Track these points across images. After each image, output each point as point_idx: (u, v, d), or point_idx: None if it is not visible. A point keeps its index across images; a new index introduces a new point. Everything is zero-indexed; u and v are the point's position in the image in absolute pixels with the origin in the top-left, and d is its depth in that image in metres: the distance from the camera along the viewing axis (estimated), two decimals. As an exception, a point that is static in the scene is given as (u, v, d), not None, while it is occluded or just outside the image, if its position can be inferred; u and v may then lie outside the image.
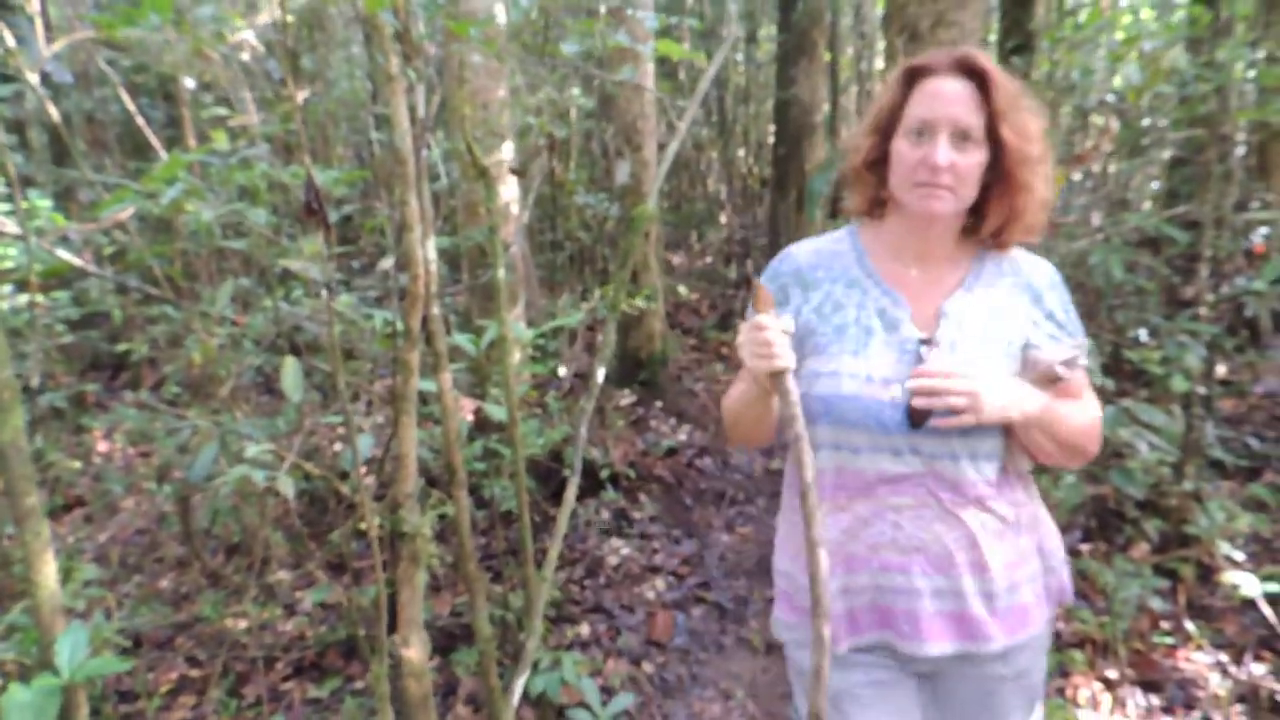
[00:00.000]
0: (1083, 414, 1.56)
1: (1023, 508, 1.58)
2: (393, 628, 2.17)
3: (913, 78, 1.49)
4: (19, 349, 3.58)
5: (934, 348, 1.49)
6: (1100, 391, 3.20)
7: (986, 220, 1.51)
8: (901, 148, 1.47)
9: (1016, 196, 1.47)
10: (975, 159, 1.44)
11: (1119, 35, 4.22)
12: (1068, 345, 1.54)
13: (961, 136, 1.43)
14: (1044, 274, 1.59)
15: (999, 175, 1.46)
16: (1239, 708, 2.80)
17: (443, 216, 5.15)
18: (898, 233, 1.58)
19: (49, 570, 1.83)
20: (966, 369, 1.43)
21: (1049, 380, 1.51)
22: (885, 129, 1.52)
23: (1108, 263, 3.35)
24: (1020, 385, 1.47)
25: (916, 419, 1.46)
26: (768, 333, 1.37)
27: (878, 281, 1.57)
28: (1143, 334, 3.86)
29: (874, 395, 1.48)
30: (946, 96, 1.44)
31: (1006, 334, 1.52)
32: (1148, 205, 6.16)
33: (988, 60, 1.45)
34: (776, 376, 1.36)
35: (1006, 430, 1.53)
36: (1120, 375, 4.12)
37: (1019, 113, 1.44)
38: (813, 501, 1.25)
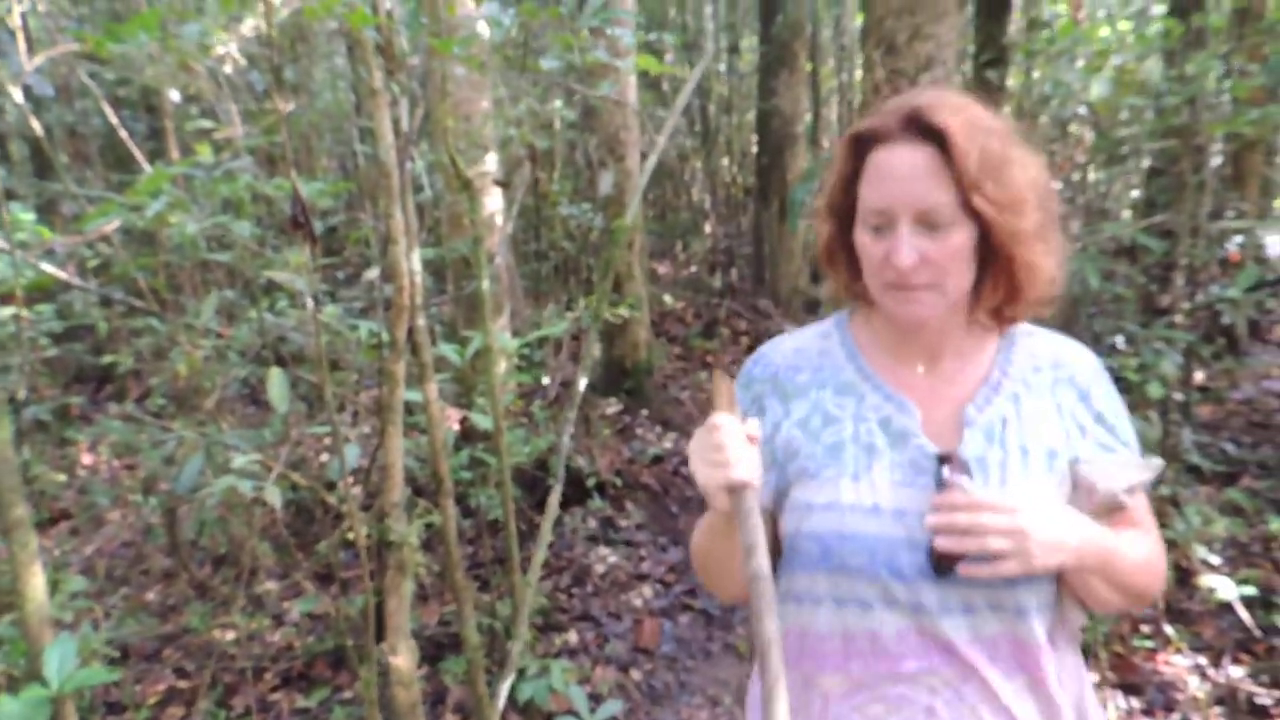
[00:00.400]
0: (1145, 548, 1.23)
1: (1069, 674, 1.25)
2: (380, 636, 2.19)
3: (861, 147, 1.17)
4: (3, 362, 3.58)
5: (957, 467, 1.15)
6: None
7: (980, 300, 1.21)
8: (863, 241, 1.17)
9: (1014, 275, 1.16)
10: (954, 242, 1.12)
11: (1094, 48, 4.29)
12: (1127, 461, 1.22)
13: (928, 222, 1.11)
14: (1088, 365, 1.27)
15: (990, 251, 1.15)
16: (1218, 710, 2.85)
17: (427, 228, 5.17)
18: (892, 327, 1.27)
19: (37, 581, 1.84)
20: (1005, 497, 1.10)
21: (1108, 510, 1.19)
22: (841, 212, 1.23)
23: (1085, 271, 3.41)
24: (1073, 516, 1.14)
25: (943, 565, 1.12)
26: (722, 434, 1.08)
27: (877, 385, 1.26)
28: (1120, 341, 3.92)
29: (883, 533, 1.17)
30: (900, 175, 1.12)
31: (1049, 444, 1.20)
32: (1127, 214, 6.23)
33: (949, 110, 1.12)
34: (734, 494, 1.07)
35: (1058, 575, 1.19)
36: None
37: (1001, 172, 1.11)
38: (774, 669, 0.91)
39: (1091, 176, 5.58)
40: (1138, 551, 1.21)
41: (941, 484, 1.13)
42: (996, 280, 1.18)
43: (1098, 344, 3.93)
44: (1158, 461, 1.24)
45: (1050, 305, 1.21)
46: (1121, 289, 4.41)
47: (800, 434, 1.26)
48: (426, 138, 4.54)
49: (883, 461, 1.20)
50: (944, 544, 1.09)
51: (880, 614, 1.18)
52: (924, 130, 1.11)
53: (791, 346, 1.34)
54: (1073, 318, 4.27)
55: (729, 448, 1.07)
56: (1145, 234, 3.84)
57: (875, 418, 1.23)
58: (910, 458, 1.20)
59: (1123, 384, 3.96)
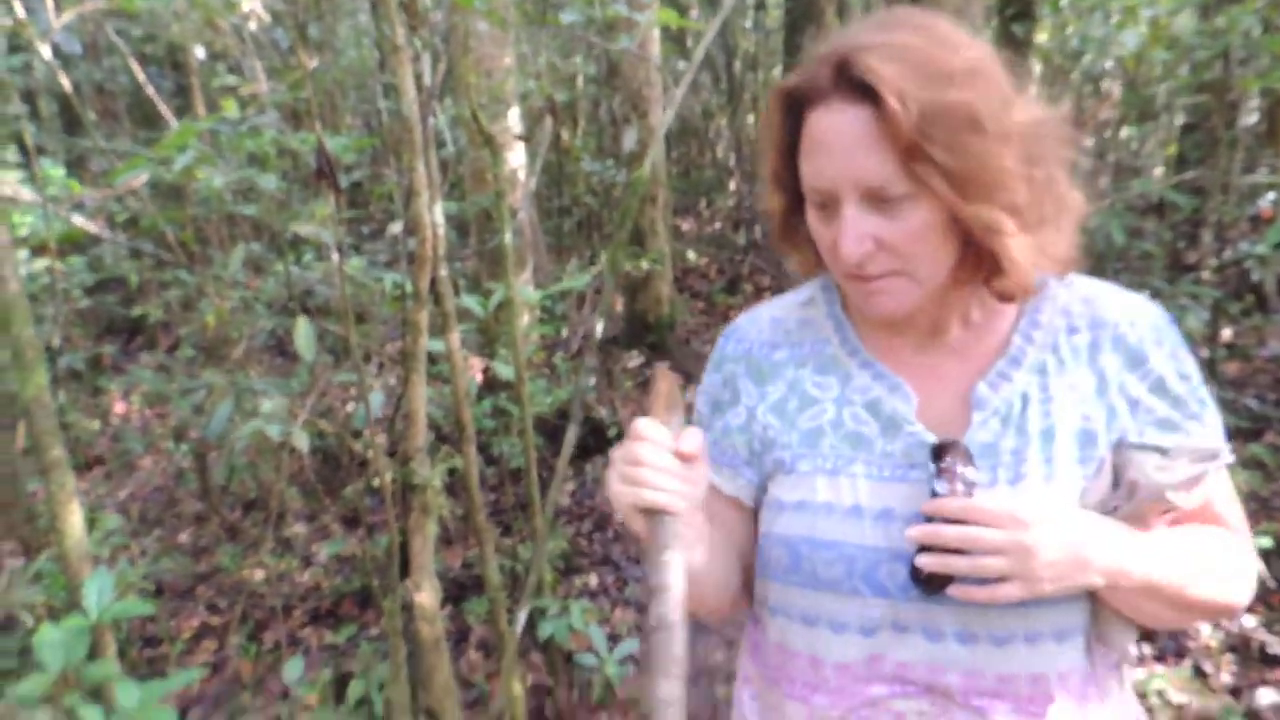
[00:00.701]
0: (1218, 550, 0.98)
1: (1110, 714, 1.01)
2: (405, 575, 2.26)
3: (794, 108, 0.94)
4: (38, 313, 3.67)
5: (957, 458, 0.92)
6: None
7: (961, 276, 0.98)
8: (813, 222, 0.97)
9: (992, 245, 0.91)
10: (915, 221, 0.89)
11: (1126, 1, 4.22)
12: (1188, 446, 0.94)
13: (878, 199, 0.89)
14: (1145, 319, 1.00)
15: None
16: (1229, 657, 2.88)
17: (450, 184, 5.20)
18: None
19: (75, 518, 1.92)
20: (1007, 504, 0.87)
21: (1157, 511, 0.93)
22: (788, 184, 1.01)
23: (1110, 227, 3.39)
24: (1100, 526, 0.90)
25: (930, 584, 0.91)
26: (642, 447, 0.89)
27: (866, 361, 1.04)
28: (1145, 298, 3.91)
29: (863, 540, 0.97)
30: (835, 145, 0.89)
31: (1083, 426, 0.96)
32: (1160, 172, 6.16)
33: (885, 54, 0.87)
34: (649, 518, 0.88)
35: (1093, 592, 0.95)
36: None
37: (961, 133, 0.85)
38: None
39: (1124, 133, 5.52)
40: (1205, 557, 0.96)
41: (935, 481, 0.92)
42: (979, 261, 0.95)
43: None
44: (1224, 447, 0.99)
45: (1066, 267, 0.98)
46: (1150, 246, 4.38)
47: (776, 420, 1.06)
48: (449, 93, 4.56)
49: (869, 453, 1.00)
50: (927, 562, 0.88)
51: (855, 639, 0.98)
52: (857, 85, 0.87)
53: (769, 317, 1.13)
54: (1098, 275, 4.25)
55: (647, 464, 0.89)
56: (1175, 190, 3.82)
57: (861, 400, 1.03)
58: (903, 448, 0.99)
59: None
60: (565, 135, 5.84)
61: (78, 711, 1.67)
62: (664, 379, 0.98)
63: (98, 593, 1.81)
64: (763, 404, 1.08)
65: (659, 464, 0.89)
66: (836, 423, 1.03)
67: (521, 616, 2.31)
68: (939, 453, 0.93)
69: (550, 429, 4.27)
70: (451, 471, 2.75)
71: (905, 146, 0.85)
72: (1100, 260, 4.24)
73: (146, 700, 1.74)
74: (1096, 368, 0.98)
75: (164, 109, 3.60)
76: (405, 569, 2.25)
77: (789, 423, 1.05)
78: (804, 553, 0.99)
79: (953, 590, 0.90)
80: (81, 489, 4.10)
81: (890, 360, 1.04)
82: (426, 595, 2.17)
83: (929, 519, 0.90)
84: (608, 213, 6.08)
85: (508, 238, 2.46)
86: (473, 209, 4.19)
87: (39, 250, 3.57)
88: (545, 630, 2.60)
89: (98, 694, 1.75)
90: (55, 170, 3.25)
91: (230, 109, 2.77)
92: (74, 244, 3.94)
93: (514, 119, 4.38)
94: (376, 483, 3.19)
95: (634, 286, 5.81)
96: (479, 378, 3.52)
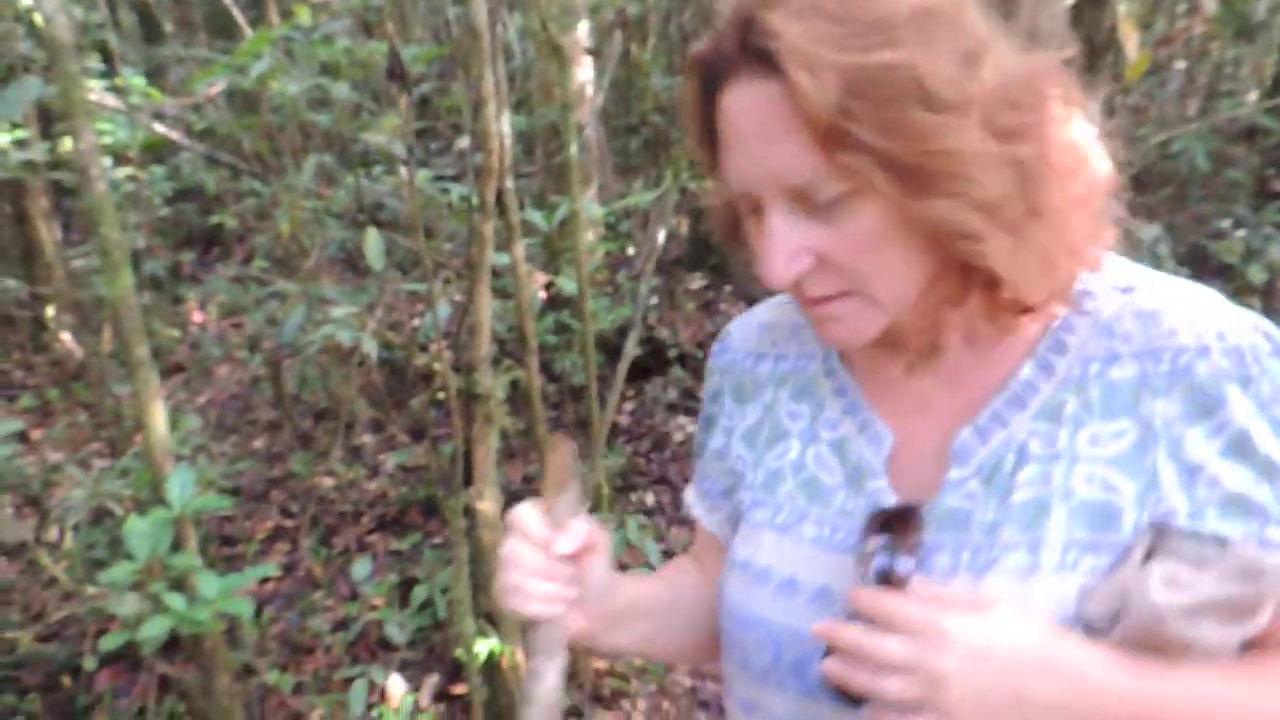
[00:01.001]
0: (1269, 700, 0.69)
1: None
2: (468, 484, 2.33)
3: (707, 85, 0.72)
4: (122, 219, 3.78)
5: (889, 540, 0.71)
6: (1176, 283, 3.15)
7: (945, 290, 0.74)
8: (748, 229, 0.77)
9: (961, 251, 0.68)
10: (857, 225, 0.68)
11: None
12: (1249, 546, 0.67)
13: (807, 201, 0.68)
14: (1232, 345, 0.70)
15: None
16: None
17: (517, 99, 5.17)
18: None
19: (159, 416, 2.01)
20: (929, 607, 0.66)
21: (1158, 645, 0.66)
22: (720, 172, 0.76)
23: (1194, 151, 3.25)
24: (1080, 660, 0.66)
25: (842, 695, 0.70)
26: (515, 547, 0.79)
27: (842, 387, 0.83)
28: (1227, 225, 3.76)
29: (794, 622, 0.77)
30: (748, 136, 0.68)
31: (1100, 500, 0.70)
32: (1255, 96, 5.86)
33: (791, 5, 0.64)
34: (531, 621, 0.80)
35: None
36: (1201, 268, 4.03)
37: (898, 107, 0.62)
38: None
39: (1218, 54, 5.24)
40: (1243, 708, 0.68)
41: (860, 564, 0.71)
42: (969, 269, 0.70)
43: (1203, 227, 3.78)
44: None
45: (1094, 262, 0.73)
46: (1238, 173, 4.19)
47: (746, 451, 0.88)
48: (519, 4, 4.51)
49: (824, 508, 0.79)
50: (829, 667, 0.68)
51: None
52: (762, 52, 0.65)
53: (758, 323, 0.94)
54: (1181, 201, 4.10)
55: (516, 566, 0.79)
56: (1268, 115, 3.63)
57: (829, 439, 0.82)
58: (865, 506, 0.77)
59: (1224, 268, 3.84)
60: (635, 50, 5.74)
61: (162, 598, 1.77)
62: (556, 450, 0.82)
63: (180, 487, 1.90)
64: (739, 429, 0.90)
65: (529, 566, 0.78)
66: (798, 465, 0.83)
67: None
68: (885, 523, 0.72)
69: (612, 347, 4.30)
70: (514, 385, 2.80)
71: (824, 131, 0.63)
72: (1183, 187, 4.07)
73: (225, 591, 1.83)
74: (1140, 415, 0.70)
75: (239, 17, 3.62)
76: (469, 478, 2.32)
77: (757, 457, 0.87)
78: (735, 628, 0.82)
79: (868, 711, 0.67)
80: (163, 393, 4.26)
81: (875, 384, 0.82)
82: (489, 503, 2.23)
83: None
84: (676, 131, 5.99)
85: (573, 152, 2.45)
86: (539, 123, 4.18)
87: (121, 159, 3.66)
88: (603, 542, 2.67)
89: (180, 583, 1.85)
90: (137, 79, 3.31)
91: (303, 15, 2.78)
92: (154, 154, 4.02)
93: (583, 32, 4.32)
94: (442, 395, 3.26)
95: (698, 209, 5.76)
96: (542, 293, 3.55)
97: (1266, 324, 0.71)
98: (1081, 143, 0.70)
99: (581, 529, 0.80)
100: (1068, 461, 0.71)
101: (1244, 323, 0.70)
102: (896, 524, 0.71)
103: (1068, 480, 0.71)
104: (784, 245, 0.69)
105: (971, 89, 0.63)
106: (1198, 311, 0.71)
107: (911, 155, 0.63)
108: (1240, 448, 0.68)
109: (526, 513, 0.81)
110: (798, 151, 0.65)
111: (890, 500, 0.76)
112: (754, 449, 0.87)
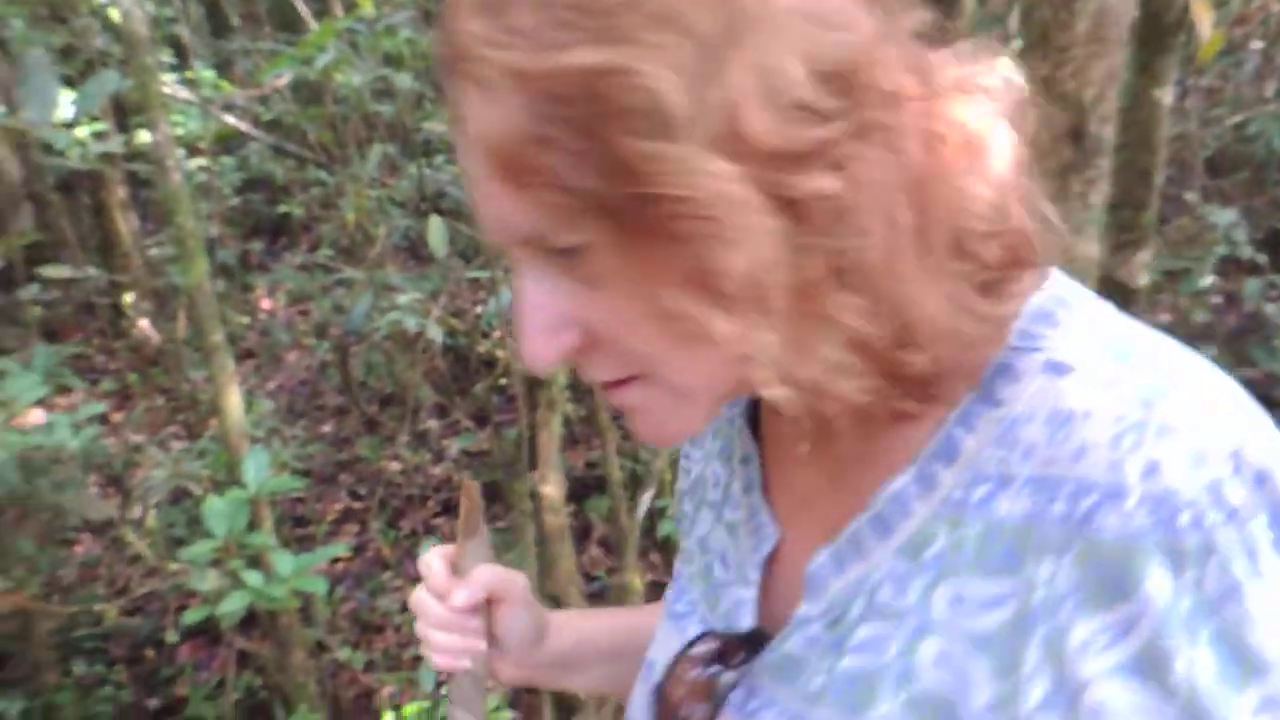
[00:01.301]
0: None
1: None
2: (532, 468, 2.37)
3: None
4: (197, 209, 3.89)
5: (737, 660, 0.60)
6: (1252, 266, 3.07)
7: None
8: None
9: (692, 352, 0.48)
10: (618, 285, 0.47)
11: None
12: None
13: (551, 252, 0.48)
14: (1156, 486, 0.41)
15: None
16: None
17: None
18: None
19: (235, 399, 2.07)
20: None
21: None
22: None
23: (1270, 133, 3.15)
24: None
25: None
26: (420, 597, 0.75)
27: (750, 459, 0.66)
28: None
29: (635, 714, 0.70)
30: (468, 167, 0.50)
31: (936, 690, 0.47)
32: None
33: (474, 10, 0.45)
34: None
35: None
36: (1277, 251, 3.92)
37: (605, 121, 0.42)
38: None
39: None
40: None
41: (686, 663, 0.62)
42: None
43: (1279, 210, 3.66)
44: None
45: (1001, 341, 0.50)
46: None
47: (688, 508, 0.74)
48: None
49: (710, 607, 0.66)
50: None
51: None
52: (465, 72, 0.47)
53: None
54: (1257, 185, 3.97)
55: (420, 614, 0.75)
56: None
57: (729, 519, 0.67)
58: (724, 613, 0.64)
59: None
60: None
61: (240, 574, 1.83)
62: (467, 495, 0.74)
63: (255, 469, 1.97)
64: (689, 477, 0.75)
65: (432, 617, 0.74)
66: (704, 544, 0.69)
67: (645, 499, 2.40)
68: (718, 657, 0.60)
69: (673, 334, 4.32)
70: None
71: (505, 165, 0.45)
72: (1260, 170, 3.94)
73: (299, 569, 1.89)
74: (1023, 576, 0.45)
75: (304, 9, 3.69)
76: (532, 463, 2.35)
77: (691, 521, 0.73)
78: (631, 697, 0.72)
79: None
80: (236, 378, 4.40)
81: (779, 462, 0.64)
82: (552, 487, 2.27)
83: None
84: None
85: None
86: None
87: (194, 150, 3.76)
88: (664, 529, 2.68)
89: (256, 561, 1.92)
90: (207, 72, 3.40)
91: (367, 6, 2.83)
92: (223, 144, 4.13)
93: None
94: (504, 381, 3.30)
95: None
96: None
97: (1263, 451, 0.42)
98: (974, 160, 0.47)
99: (483, 580, 0.73)
100: (912, 627, 0.49)
101: (1214, 450, 0.41)
102: (736, 645, 0.60)
103: (910, 655, 0.49)
104: (536, 314, 0.50)
105: (731, 99, 0.42)
106: (1138, 421, 0.43)
107: (628, 200, 0.43)
108: (1149, 667, 0.41)
109: (431, 560, 0.75)
110: (506, 190, 0.47)
111: (746, 623, 0.61)
112: (690, 507, 0.74)
